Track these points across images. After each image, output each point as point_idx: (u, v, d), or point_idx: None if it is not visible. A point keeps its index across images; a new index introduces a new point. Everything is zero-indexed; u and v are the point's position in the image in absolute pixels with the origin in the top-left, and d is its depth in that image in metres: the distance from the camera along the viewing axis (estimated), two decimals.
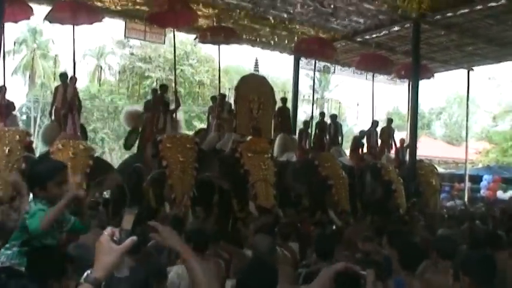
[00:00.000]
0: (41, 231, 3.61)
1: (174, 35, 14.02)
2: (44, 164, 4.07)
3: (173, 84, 15.12)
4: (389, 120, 17.19)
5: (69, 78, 12.10)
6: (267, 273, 3.27)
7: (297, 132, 16.14)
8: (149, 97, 14.49)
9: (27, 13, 12.48)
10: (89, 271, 1.85)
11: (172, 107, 13.21)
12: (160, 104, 12.78)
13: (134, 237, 1.87)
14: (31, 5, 12.61)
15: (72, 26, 12.15)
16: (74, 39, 12.18)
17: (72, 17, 11.89)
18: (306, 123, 15.68)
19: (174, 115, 13.05)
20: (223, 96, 14.38)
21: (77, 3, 12.24)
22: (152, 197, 10.02)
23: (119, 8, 14.19)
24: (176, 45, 14.86)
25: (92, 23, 12.93)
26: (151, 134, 12.25)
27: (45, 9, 12.89)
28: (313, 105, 16.03)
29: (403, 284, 4.30)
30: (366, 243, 5.75)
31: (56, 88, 12.38)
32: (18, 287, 2.83)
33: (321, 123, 15.73)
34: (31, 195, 4.00)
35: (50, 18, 12.35)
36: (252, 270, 3.29)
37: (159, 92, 13.32)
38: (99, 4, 13.60)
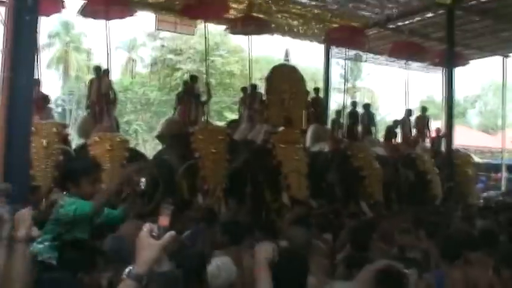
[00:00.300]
0: (92, 213, 3.77)
1: (205, 26, 14.02)
2: (80, 161, 4.12)
3: (204, 76, 15.14)
4: (424, 109, 16.92)
5: (102, 71, 12.23)
6: (298, 264, 3.27)
7: (329, 122, 15.98)
8: (180, 89, 14.53)
9: (58, 7, 12.59)
10: (130, 267, 1.88)
11: (203, 98, 13.24)
12: (191, 96, 12.80)
13: (173, 232, 1.90)
14: None
15: (104, 20, 12.30)
16: (107, 33, 12.34)
17: (105, 11, 12.05)
18: (338, 113, 15.55)
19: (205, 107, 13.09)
20: (254, 86, 14.34)
21: None
22: (185, 188, 10.08)
23: (150, 0, 14.23)
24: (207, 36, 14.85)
25: (124, 18, 13.06)
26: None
27: (77, 2, 13.03)
28: (344, 94, 15.92)
29: (444, 277, 4.22)
30: (403, 236, 5.63)
31: (91, 81, 12.54)
32: (49, 280, 2.84)
33: (353, 113, 15.59)
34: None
35: (83, 12, 12.51)
36: (283, 261, 3.30)
37: (189, 83, 13.36)
38: None
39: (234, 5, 14.56)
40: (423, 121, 16.09)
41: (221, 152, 10.33)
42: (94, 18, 12.98)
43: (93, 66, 12.77)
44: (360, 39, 15.22)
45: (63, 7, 12.70)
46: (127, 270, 1.87)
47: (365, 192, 11.85)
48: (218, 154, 10.24)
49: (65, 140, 10.45)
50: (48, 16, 12.81)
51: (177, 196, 9.74)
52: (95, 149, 10.09)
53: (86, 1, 12.60)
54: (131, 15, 13.15)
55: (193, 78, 13.71)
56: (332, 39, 15.86)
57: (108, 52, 12.40)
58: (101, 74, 12.12)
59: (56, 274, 3.04)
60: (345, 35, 14.92)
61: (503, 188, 19.33)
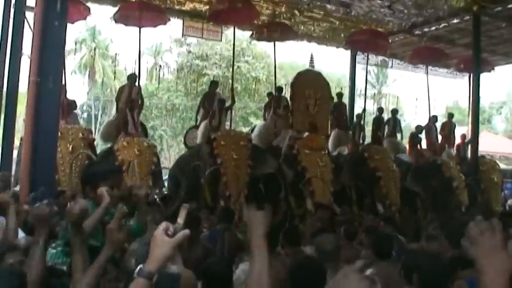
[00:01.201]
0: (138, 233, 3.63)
1: (234, 32, 14.05)
2: (100, 165, 4.07)
3: (229, 81, 15.16)
4: (450, 115, 16.74)
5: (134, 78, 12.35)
6: (314, 272, 3.30)
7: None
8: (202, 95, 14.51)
9: (84, 13, 12.67)
10: (141, 265, 1.85)
11: (227, 104, 13.24)
12: (213, 101, 12.78)
13: (187, 231, 1.87)
14: (89, 4, 12.80)
15: (136, 27, 12.38)
16: (140, 39, 12.46)
17: (138, 18, 12.14)
18: (359, 117, 15.36)
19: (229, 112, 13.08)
20: (279, 89, 14.26)
21: (144, 4, 12.48)
22: (208, 194, 10.08)
23: (177, 7, 14.30)
24: (232, 42, 14.89)
25: (156, 26, 13.15)
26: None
27: (103, 9, 13.13)
28: (365, 98, 15.78)
29: (476, 283, 4.11)
30: (431, 242, 5.51)
31: (122, 88, 12.61)
32: (59, 285, 2.83)
33: (378, 119, 15.46)
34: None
35: (116, 18, 12.58)
36: (301, 268, 3.29)
37: (210, 88, 13.38)
38: (158, 3, 13.65)
39: (260, 11, 14.59)
40: (449, 127, 15.90)
41: (243, 158, 10.33)
42: (126, 25, 13.01)
43: (128, 74, 12.81)
44: (381, 43, 15.05)
45: (89, 14, 12.81)
46: (138, 268, 1.84)
47: (380, 193, 11.78)
48: (240, 160, 10.23)
49: (90, 145, 10.56)
50: (73, 23, 12.89)
51: (200, 202, 9.74)
52: (123, 154, 10.17)
53: (120, 7, 12.72)
54: (164, 23, 13.24)
55: (214, 84, 13.72)
56: (353, 42, 15.68)
57: (139, 58, 12.53)
58: (135, 82, 12.25)
59: (64, 279, 3.03)
60: (366, 39, 14.72)
61: None
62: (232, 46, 16.86)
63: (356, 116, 15.86)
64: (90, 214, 3.53)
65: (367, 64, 17.03)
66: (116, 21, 12.80)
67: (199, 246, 5.51)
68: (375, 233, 6.22)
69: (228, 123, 13.32)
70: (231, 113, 13.29)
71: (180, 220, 1.89)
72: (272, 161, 11.04)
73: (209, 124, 12.15)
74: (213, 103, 12.67)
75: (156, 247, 1.83)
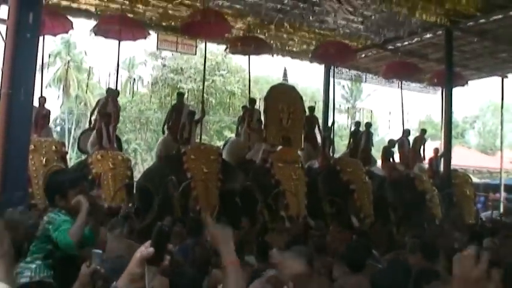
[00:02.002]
0: (73, 245, 3.57)
1: (205, 45, 14.01)
2: (65, 174, 4.08)
3: (204, 94, 15.13)
4: (423, 131, 16.75)
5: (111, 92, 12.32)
6: None
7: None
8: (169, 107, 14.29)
9: (67, 27, 12.61)
10: (114, 283, 1.81)
11: (197, 116, 13.13)
12: (181, 114, 12.70)
13: (151, 249, 1.77)
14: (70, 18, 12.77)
15: (115, 40, 12.40)
16: (118, 53, 12.44)
17: (118, 31, 12.14)
18: (328, 130, 15.37)
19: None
20: (252, 102, 14.22)
21: (124, 18, 12.53)
22: (177, 208, 10.03)
23: (152, 20, 14.34)
24: (207, 56, 14.88)
25: (136, 40, 13.14)
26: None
27: (80, 22, 13.10)
28: (333, 112, 15.87)
29: None
30: (410, 256, 5.57)
31: (98, 101, 12.61)
32: None
33: (356, 133, 15.56)
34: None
35: (96, 30, 12.58)
36: None
37: (178, 100, 13.26)
38: (131, 16, 13.67)
39: (234, 25, 14.66)
40: (421, 141, 16.02)
41: (213, 171, 10.30)
42: (106, 37, 13.00)
43: (107, 88, 12.78)
44: (347, 55, 15.14)
45: (71, 28, 12.73)
46: (112, 285, 1.83)
47: (354, 206, 11.83)
48: (210, 174, 10.20)
49: (63, 158, 10.52)
50: (55, 35, 12.87)
51: (173, 216, 9.67)
52: (97, 167, 10.13)
53: (100, 20, 12.76)
54: (144, 37, 13.28)
55: (180, 96, 13.52)
56: (318, 55, 15.74)
57: (117, 72, 12.58)
58: (114, 96, 12.21)
59: None
60: (331, 51, 14.69)
61: (501, 208, 19.24)
62: (207, 60, 16.83)
63: (325, 129, 15.89)
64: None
65: (334, 77, 17.12)
66: (95, 34, 12.79)
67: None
68: (348, 246, 6.27)
69: (198, 135, 13.21)
70: (201, 126, 13.17)
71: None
72: (241, 175, 11.08)
73: (179, 137, 12.09)
74: (181, 115, 12.59)
75: (132, 264, 1.79)
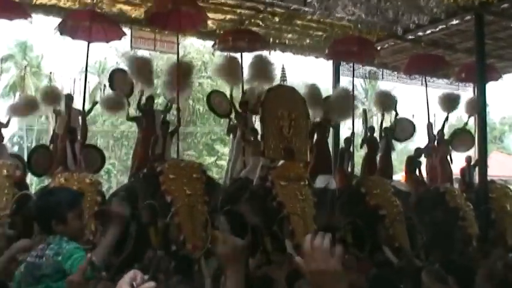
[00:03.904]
0: (93, 277, 3.56)
1: (177, 40, 13.61)
2: (61, 193, 4.05)
3: (189, 101, 15.08)
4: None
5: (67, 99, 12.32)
6: None
7: (338, 152, 15.89)
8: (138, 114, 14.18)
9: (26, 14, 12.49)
10: None
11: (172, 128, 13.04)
12: (153, 123, 12.62)
13: (152, 283, 1.84)
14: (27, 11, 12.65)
15: (84, 41, 12.37)
16: (87, 56, 12.37)
17: (88, 30, 12.05)
18: (348, 141, 15.39)
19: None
20: (244, 105, 14.14)
21: (96, 14, 12.50)
22: (156, 237, 9.93)
23: (124, 12, 14.35)
24: (192, 55, 14.92)
25: (109, 41, 13.11)
26: (145, 160, 12.30)
27: (37, 20, 13.06)
28: (353, 117, 15.76)
29: None
30: (435, 284, 5.55)
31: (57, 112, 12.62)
32: None
33: (370, 141, 15.56)
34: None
35: (61, 29, 12.41)
36: None
37: (146, 106, 13.23)
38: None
39: (223, 17, 14.67)
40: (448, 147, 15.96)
41: (198, 193, 10.15)
42: (73, 38, 12.84)
43: (65, 95, 12.75)
44: (369, 53, 15.12)
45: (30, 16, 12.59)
46: None
47: (386, 235, 11.75)
48: (194, 196, 10.06)
49: (20, 183, 10.45)
50: (12, 20, 12.73)
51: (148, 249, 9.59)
52: None
53: (67, 16, 12.68)
54: (118, 38, 13.20)
55: (150, 99, 13.48)
56: (336, 53, 15.71)
57: (85, 78, 12.53)
58: (71, 104, 12.18)
59: None
60: (352, 48, 14.66)
61: None
62: (192, 60, 16.75)
63: (344, 140, 15.84)
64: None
65: (353, 76, 17.10)
66: (61, 33, 12.55)
67: None
68: (373, 277, 6.26)
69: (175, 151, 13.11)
70: (178, 138, 13.00)
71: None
72: (234, 197, 11.01)
73: (151, 152, 12.02)
74: (153, 124, 12.51)
75: None
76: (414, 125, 16.37)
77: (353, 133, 15.45)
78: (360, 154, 16.84)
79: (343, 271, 1.88)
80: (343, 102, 14.92)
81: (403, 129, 16.25)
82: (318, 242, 1.88)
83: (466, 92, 18.90)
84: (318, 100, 14.54)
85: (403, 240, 11.67)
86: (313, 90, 14.67)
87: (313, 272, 1.88)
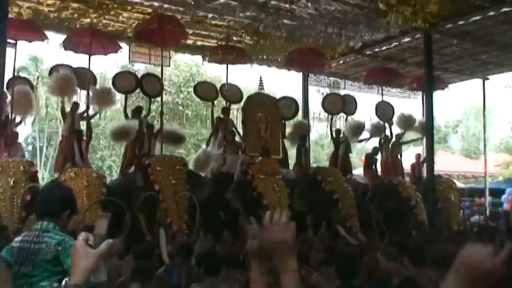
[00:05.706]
0: None
1: (161, 53, 13.25)
2: (59, 190, 3.95)
3: (179, 107, 15.06)
4: (397, 136, 16.67)
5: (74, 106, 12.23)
6: None
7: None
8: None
9: (42, 36, 12.36)
10: (66, 279, 1.82)
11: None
12: (138, 128, 12.55)
13: (110, 240, 1.85)
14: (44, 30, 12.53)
15: (85, 54, 12.24)
16: (89, 67, 12.23)
17: (89, 45, 11.96)
18: (303, 138, 15.09)
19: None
20: (225, 111, 13.92)
21: (95, 31, 12.36)
22: (144, 223, 9.91)
23: (124, 32, 14.27)
24: (181, 67, 14.82)
25: (107, 54, 12.99)
26: (133, 157, 12.20)
27: (51, 36, 12.91)
28: (308, 119, 15.85)
29: None
30: (389, 262, 5.57)
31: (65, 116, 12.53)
32: None
33: (337, 141, 15.62)
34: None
35: (66, 44, 12.33)
36: None
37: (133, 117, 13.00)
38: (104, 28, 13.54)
39: (211, 35, 14.64)
40: (398, 147, 16.05)
41: (181, 182, 10.22)
42: (76, 52, 12.62)
43: (72, 102, 12.64)
44: (319, 61, 15.12)
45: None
46: (63, 282, 1.81)
47: (339, 215, 11.81)
48: (178, 185, 10.11)
49: (33, 178, 10.38)
50: (31, 42, 12.65)
51: (135, 231, 9.55)
52: (71, 185, 9.95)
53: (70, 33, 12.56)
54: (115, 51, 13.04)
55: (138, 110, 13.35)
56: (291, 61, 15.70)
57: (88, 88, 12.32)
58: (77, 110, 12.11)
59: None
60: (303, 57, 14.71)
61: (487, 213, 19.38)
62: (181, 72, 16.75)
63: (299, 137, 15.72)
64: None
65: (306, 83, 17.13)
66: (65, 48, 12.44)
67: (156, 280, 5.45)
68: (337, 254, 6.27)
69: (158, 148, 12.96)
70: (162, 139, 12.87)
71: (101, 230, 1.87)
72: (210, 186, 10.98)
73: (138, 151, 11.96)
74: (140, 129, 12.44)
75: (79, 259, 1.79)
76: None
77: (308, 131, 15.35)
78: (325, 152, 16.87)
79: (295, 242, 1.87)
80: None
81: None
82: (277, 217, 1.88)
83: (417, 100, 19.04)
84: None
85: (354, 221, 11.81)
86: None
87: (272, 242, 1.86)
